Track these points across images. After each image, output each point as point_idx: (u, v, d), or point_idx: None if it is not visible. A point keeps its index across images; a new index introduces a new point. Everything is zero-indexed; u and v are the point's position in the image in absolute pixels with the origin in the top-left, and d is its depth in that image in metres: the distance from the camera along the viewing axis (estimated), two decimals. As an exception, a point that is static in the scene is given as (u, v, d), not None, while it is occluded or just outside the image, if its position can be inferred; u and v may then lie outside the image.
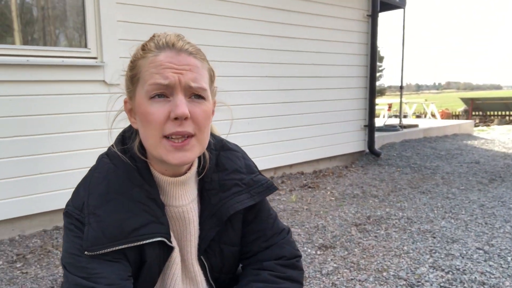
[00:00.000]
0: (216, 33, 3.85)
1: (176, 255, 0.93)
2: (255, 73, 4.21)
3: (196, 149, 0.84)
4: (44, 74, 2.92)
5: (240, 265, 1.06)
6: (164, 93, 0.80)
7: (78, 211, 0.84)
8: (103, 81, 3.18)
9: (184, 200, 0.92)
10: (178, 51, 0.81)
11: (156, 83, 0.79)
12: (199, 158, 0.95)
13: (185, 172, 0.92)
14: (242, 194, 0.95)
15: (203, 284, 0.99)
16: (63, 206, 3.03)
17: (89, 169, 0.92)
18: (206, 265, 0.97)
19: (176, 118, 0.79)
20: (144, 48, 0.85)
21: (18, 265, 2.48)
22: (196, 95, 0.82)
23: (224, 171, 0.96)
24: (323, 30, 4.82)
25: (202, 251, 0.95)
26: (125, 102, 0.91)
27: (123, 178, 0.86)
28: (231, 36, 3.98)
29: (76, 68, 3.06)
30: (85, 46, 3.14)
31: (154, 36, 0.86)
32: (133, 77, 0.85)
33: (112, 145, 0.92)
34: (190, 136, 0.82)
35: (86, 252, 0.80)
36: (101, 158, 0.92)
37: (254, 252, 1.00)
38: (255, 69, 4.21)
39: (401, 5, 6.35)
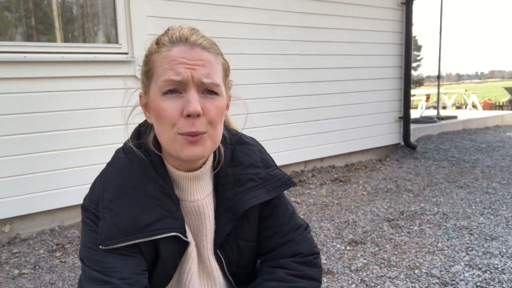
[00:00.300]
0: (245, 26, 3.83)
1: (192, 249, 0.92)
2: (285, 65, 4.15)
3: (208, 145, 0.83)
4: (77, 70, 3.01)
5: (259, 261, 1.04)
6: (177, 89, 0.79)
7: (94, 205, 0.85)
8: (134, 76, 3.24)
9: (199, 195, 0.91)
10: (192, 45, 0.80)
11: (169, 79, 0.78)
12: (214, 152, 0.94)
13: (200, 167, 0.91)
14: (258, 189, 0.93)
15: (220, 279, 0.98)
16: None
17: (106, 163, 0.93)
18: (223, 260, 0.96)
19: (188, 115, 0.78)
20: (158, 42, 0.83)
21: (57, 254, 2.60)
22: (209, 91, 0.81)
23: (240, 165, 0.94)
24: (355, 19, 4.68)
25: (218, 245, 0.94)
26: (140, 97, 0.90)
27: (137, 173, 0.86)
28: (260, 29, 3.94)
29: (108, 63, 3.13)
30: (116, 42, 3.20)
31: (168, 29, 0.85)
32: (148, 72, 0.85)
33: (128, 140, 0.92)
34: (203, 131, 0.81)
35: (100, 246, 0.81)
36: (117, 153, 0.92)
37: (271, 248, 0.99)
38: (285, 61, 4.15)
39: (438, -9, 6.06)
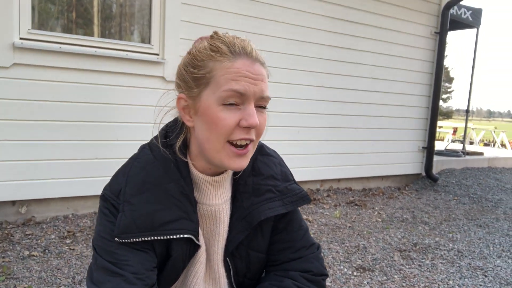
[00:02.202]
0: (274, 39, 3.85)
1: (201, 253, 0.92)
2: (310, 82, 4.15)
3: (250, 154, 0.87)
4: (109, 66, 3.08)
5: (264, 271, 1.04)
6: (237, 101, 0.80)
7: (114, 196, 0.85)
8: (162, 77, 3.29)
9: (218, 200, 0.92)
10: (254, 60, 0.82)
11: (233, 89, 0.79)
12: None
13: (223, 172, 0.92)
14: (275, 201, 0.93)
15: (226, 286, 0.98)
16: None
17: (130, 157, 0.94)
18: (231, 268, 0.96)
19: (246, 127, 0.81)
20: (214, 49, 0.82)
21: (67, 241, 2.64)
22: (263, 106, 0.84)
23: (260, 175, 0.95)
24: (387, 44, 4.65)
25: (229, 253, 0.94)
26: (180, 99, 0.88)
27: (160, 171, 0.86)
28: (289, 44, 3.96)
29: (139, 62, 3.20)
30: (149, 42, 3.27)
31: (218, 36, 0.84)
32: (201, 78, 0.83)
33: (155, 138, 0.93)
34: (249, 143, 0.84)
35: (116, 239, 0.81)
36: (142, 148, 0.93)
37: (281, 261, 0.98)
38: (310, 77, 4.15)
39: (474, 24, 5.96)
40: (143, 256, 0.83)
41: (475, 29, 6.20)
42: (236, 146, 0.82)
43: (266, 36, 3.80)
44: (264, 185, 0.94)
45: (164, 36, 3.27)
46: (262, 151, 1.00)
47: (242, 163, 0.83)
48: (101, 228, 0.85)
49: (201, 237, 0.91)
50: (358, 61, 4.46)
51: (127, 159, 0.93)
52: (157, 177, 0.86)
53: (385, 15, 4.58)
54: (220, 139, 0.81)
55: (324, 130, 4.31)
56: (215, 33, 0.85)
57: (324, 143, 4.33)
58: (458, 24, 5.79)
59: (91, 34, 3.15)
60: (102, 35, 3.21)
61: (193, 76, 0.83)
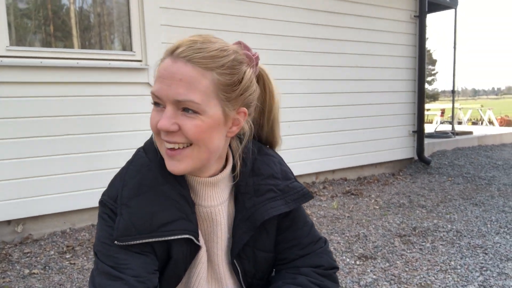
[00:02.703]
0: (257, 36, 3.84)
1: (202, 254, 0.92)
2: (296, 76, 4.15)
3: (189, 161, 0.82)
4: (92, 76, 3.04)
5: (274, 270, 1.03)
6: (159, 102, 0.80)
7: (112, 201, 0.85)
8: (148, 83, 3.26)
9: (213, 201, 0.92)
10: (175, 58, 0.78)
11: (152, 92, 0.80)
12: (233, 161, 0.94)
13: (217, 174, 0.91)
14: (277, 200, 0.93)
15: (230, 287, 0.97)
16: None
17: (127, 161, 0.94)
18: (239, 270, 0.95)
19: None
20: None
21: (67, 256, 2.61)
22: (186, 109, 0.78)
23: (260, 175, 0.94)
24: (368, 32, 4.66)
25: (235, 255, 0.94)
26: None
27: (156, 173, 0.86)
28: (271, 39, 3.95)
29: (122, 70, 3.16)
30: (130, 50, 3.24)
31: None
32: None
33: (150, 139, 0.93)
34: (185, 146, 0.81)
35: (115, 242, 0.81)
36: (137, 152, 0.93)
37: (290, 259, 0.98)
38: (297, 71, 4.15)
39: (452, 5, 6.00)
40: (144, 259, 0.83)
41: (453, 10, 6.25)
42: (167, 147, 0.82)
43: (248, 34, 3.78)
44: (264, 185, 0.93)
45: (145, 42, 3.24)
46: (261, 151, 0.99)
47: (173, 166, 0.82)
48: (101, 233, 0.85)
49: (201, 238, 0.91)
50: (343, 51, 4.47)
51: (125, 163, 0.93)
52: (153, 179, 0.86)
53: (364, 2, 4.58)
54: (157, 138, 0.84)
55: (314, 122, 4.32)
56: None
57: (316, 135, 4.33)
58: (436, 6, 5.83)
59: (72, 46, 3.10)
60: (83, 46, 3.17)
61: None
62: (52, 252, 2.67)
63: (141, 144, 0.97)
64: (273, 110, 0.97)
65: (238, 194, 0.93)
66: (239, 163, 0.94)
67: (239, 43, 0.87)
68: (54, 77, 2.91)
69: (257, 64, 0.89)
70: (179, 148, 0.81)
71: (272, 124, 0.98)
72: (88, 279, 2.29)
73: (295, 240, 0.98)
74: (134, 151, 0.96)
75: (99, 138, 3.11)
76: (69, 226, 3.08)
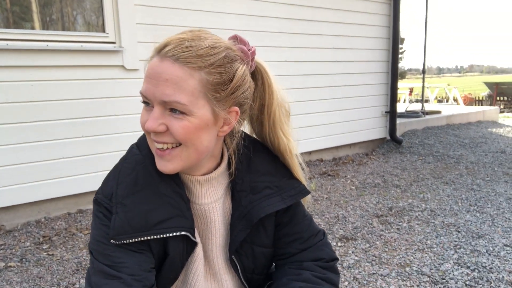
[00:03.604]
0: (232, 16, 3.76)
1: (199, 251, 0.92)
2: (273, 58, 4.11)
3: (178, 161, 0.82)
4: (63, 60, 2.90)
5: (274, 264, 1.05)
6: (148, 102, 0.79)
7: (107, 199, 0.84)
8: (122, 66, 3.15)
9: (207, 199, 0.92)
10: (162, 57, 0.76)
11: (140, 91, 0.79)
12: (229, 158, 0.94)
13: (212, 171, 0.91)
14: (273, 197, 0.92)
15: (228, 283, 0.98)
16: (87, 190, 3.05)
17: (119, 157, 0.92)
18: (238, 266, 0.96)
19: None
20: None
21: (44, 247, 2.54)
22: (173, 109, 0.77)
23: (256, 173, 0.94)
24: (344, 12, 4.66)
25: (233, 251, 0.94)
26: None
27: (150, 170, 0.86)
28: (248, 20, 3.88)
29: (95, 53, 3.03)
30: (103, 31, 3.10)
31: (170, 36, 0.82)
32: None
33: (143, 136, 0.91)
34: (174, 146, 0.80)
35: (111, 241, 0.81)
36: (131, 149, 0.92)
37: (291, 253, 0.99)
38: (273, 53, 4.11)
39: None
40: (140, 257, 0.83)
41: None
42: (156, 147, 0.81)
43: (225, 14, 3.70)
44: (261, 182, 0.93)
45: (119, 23, 3.11)
46: (257, 148, 0.98)
47: (163, 166, 0.82)
48: (96, 232, 0.84)
49: (197, 235, 0.91)
50: (319, 32, 4.45)
51: (118, 160, 0.91)
52: (148, 176, 0.85)
53: (341, -17, 4.56)
54: (148, 137, 0.84)
55: (292, 104, 4.31)
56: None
57: (293, 117, 4.32)
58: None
59: (42, 28, 2.93)
60: (54, 27, 3.00)
61: None
62: (27, 243, 2.59)
63: (116, 129, 0.95)
64: (273, 106, 0.94)
65: (235, 192, 0.93)
66: (233, 161, 0.94)
67: (234, 37, 0.85)
68: (23, 61, 2.75)
69: (253, 59, 0.87)
70: (168, 148, 0.80)
71: (273, 121, 0.95)
72: (69, 270, 2.25)
73: (295, 235, 0.99)
74: (110, 137, 0.94)
75: (72, 124, 2.99)
76: (43, 216, 2.99)
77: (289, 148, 0.96)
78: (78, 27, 3.16)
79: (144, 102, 0.80)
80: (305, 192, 0.97)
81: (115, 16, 3.10)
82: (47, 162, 2.91)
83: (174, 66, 0.75)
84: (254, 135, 1.00)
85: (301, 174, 0.98)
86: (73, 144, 2.99)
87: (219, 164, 0.93)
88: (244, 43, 0.85)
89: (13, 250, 2.49)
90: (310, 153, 4.65)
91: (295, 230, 0.99)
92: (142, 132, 0.92)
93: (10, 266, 2.29)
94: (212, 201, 0.92)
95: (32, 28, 2.90)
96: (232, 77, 0.80)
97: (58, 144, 2.94)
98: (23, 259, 2.38)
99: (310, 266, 0.96)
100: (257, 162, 0.95)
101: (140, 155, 0.88)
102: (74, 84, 2.97)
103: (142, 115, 0.81)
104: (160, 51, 0.77)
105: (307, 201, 1.03)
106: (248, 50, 0.85)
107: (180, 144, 0.80)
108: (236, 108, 0.84)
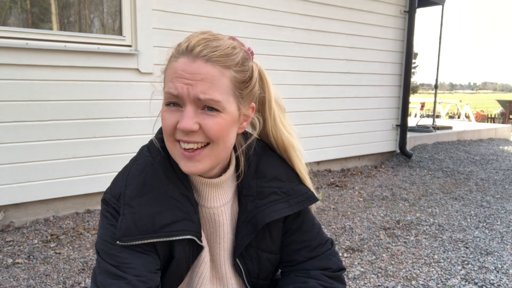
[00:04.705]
0: (247, 25, 3.80)
1: (205, 254, 0.92)
2: (286, 67, 4.14)
3: (207, 161, 0.82)
4: (80, 61, 2.96)
5: (280, 271, 1.04)
6: (177, 102, 0.79)
7: (115, 200, 0.85)
8: (137, 69, 3.20)
9: (216, 202, 0.91)
10: (194, 57, 0.77)
11: (169, 92, 0.79)
12: (237, 162, 0.94)
13: (221, 175, 0.91)
14: (280, 203, 0.92)
15: (234, 287, 0.98)
16: (95, 190, 3.07)
17: (129, 159, 0.93)
18: (242, 270, 0.96)
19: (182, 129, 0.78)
20: (176, 49, 0.82)
21: (52, 245, 2.56)
22: (209, 107, 0.78)
23: (263, 177, 0.93)
24: (358, 25, 4.68)
25: (238, 255, 0.94)
26: None
27: (159, 173, 0.86)
28: (262, 28, 3.91)
29: (111, 55, 3.08)
30: (120, 34, 3.16)
31: (188, 37, 0.83)
32: (164, 79, 0.85)
33: (154, 138, 0.92)
34: (203, 145, 0.80)
35: (117, 242, 0.81)
36: (141, 150, 0.92)
37: (298, 261, 0.99)
38: (286, 62, 4.14)
39: (440, 1, 6.09)
40: (146, 258, 0.83)
41: (441, 6, 6.34)
42: (184, 148, 0.80)
43: (239, 22, 3.74)
44: (268, 187, 0.93)
45: (136, 27, 3.16)
46: (266, 151, 0.97)
47: (192, 167, 0.81)
48: (103, 231, 0.85)
49: (203, 238, 0.91)
50: (333, 43, 4.48)
51: (128, 161, 0.92)
52: (157, 179, 0.85)
53: (356, -4, 4.59)
54: (170, 139, 0.82)
55: (301, 114, 4.34)
56: (191, 34, 0.84)
57: (303, 127, 4.36)
58: (425, 1, 5.91)
59: (61, 29, 3.00)
60: (72, 29, 3.07)
61: (163, 79, 0.86)
62: (35, 241, 2.62)
63: (127, 131, 0.95)
64: (272, 101, 0.96)
65: (241, 196, 0.93)
66: (242, 160, 0.93)
67: (233, 39, 0.87)
68: (40, 60, 2.81)
69: (252, 58, 0.90)
70: (197, 148, 0.80)
71: (273, 116, 0.95)
72: (75, 269, 2.26)
73: (304, 243, 0.98)
74: (122, 139, 0.95)
75: (86, 124, 3.03)
76: (52, 214, 3.02)
77: (292, 143, 0.98)
78: (95, 30, 3.22)
79: (169, 103, 0.80)
80: (313, 199, 0.96)
81: (133, 20, 3.16)
82: (58, 161, 2.95)
83: (207, 65, 0.77)
84: (255, 134, 0.99)
85: (306, 173, 0.98)
86: (84, 145, 3.03)
87: (227, 167, 0.93)
88: (242, 44, 0.88)
89: (21, 247, 2.52)
90: (318, 163, 4.64)
91: (304, 238, 0.98)
92: (153, 135, 0.94)
93: (18, 263, 2.32)
94: (221, 204, 0.92)
95: (50, 29, 2.96)
96: (251, 75, 0.85)
97: (71, 144, 2.99)
98: (31, 256, 2.40)
99: (317, 275, 0.95)
100: (265, 166, 0.95)
101: (150, 157, 0.89)
102: (89, 85, 3.02)
103: (166, 118, 0.80)
104: (190, 52, 0.78)
105: (312, 210, 1.03)
106: (248, 50, 0.88)
107: (207, 144, 0.80)
108: (253, 104, 0.88)
